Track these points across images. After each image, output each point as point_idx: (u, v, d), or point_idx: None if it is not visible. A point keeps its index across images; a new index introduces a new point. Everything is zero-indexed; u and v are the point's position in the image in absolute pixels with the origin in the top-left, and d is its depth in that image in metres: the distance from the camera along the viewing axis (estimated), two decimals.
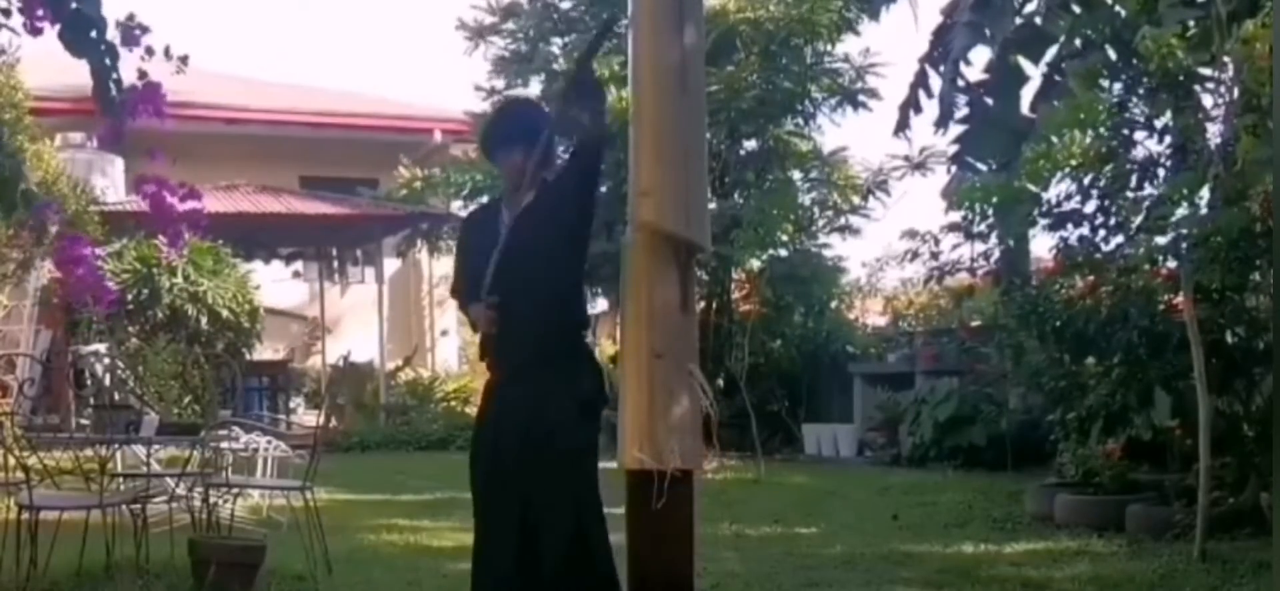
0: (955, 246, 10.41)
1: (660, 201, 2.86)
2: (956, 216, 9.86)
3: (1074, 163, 7.19)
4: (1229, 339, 7.09)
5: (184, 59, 5.07)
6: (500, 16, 15.39)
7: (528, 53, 15.30)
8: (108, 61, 4.65)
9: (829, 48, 14.05)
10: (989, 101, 4.62)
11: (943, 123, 4.60)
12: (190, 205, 5.39)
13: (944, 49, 4.66)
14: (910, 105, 4.90)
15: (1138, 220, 7.14)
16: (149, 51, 4.87)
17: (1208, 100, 6.69)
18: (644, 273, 2.89)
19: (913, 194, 22.19)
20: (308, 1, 43.85)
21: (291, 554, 6.13)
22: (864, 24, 14.07)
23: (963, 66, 4.56)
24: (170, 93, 4.90)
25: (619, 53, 13.01)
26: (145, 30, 4.87)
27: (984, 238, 9.92)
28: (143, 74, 4.92)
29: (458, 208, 15.68)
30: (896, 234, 11.51)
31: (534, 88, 15.14)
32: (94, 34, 4.59)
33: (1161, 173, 7.15)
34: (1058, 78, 5.09)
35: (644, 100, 2.88)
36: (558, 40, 15.48)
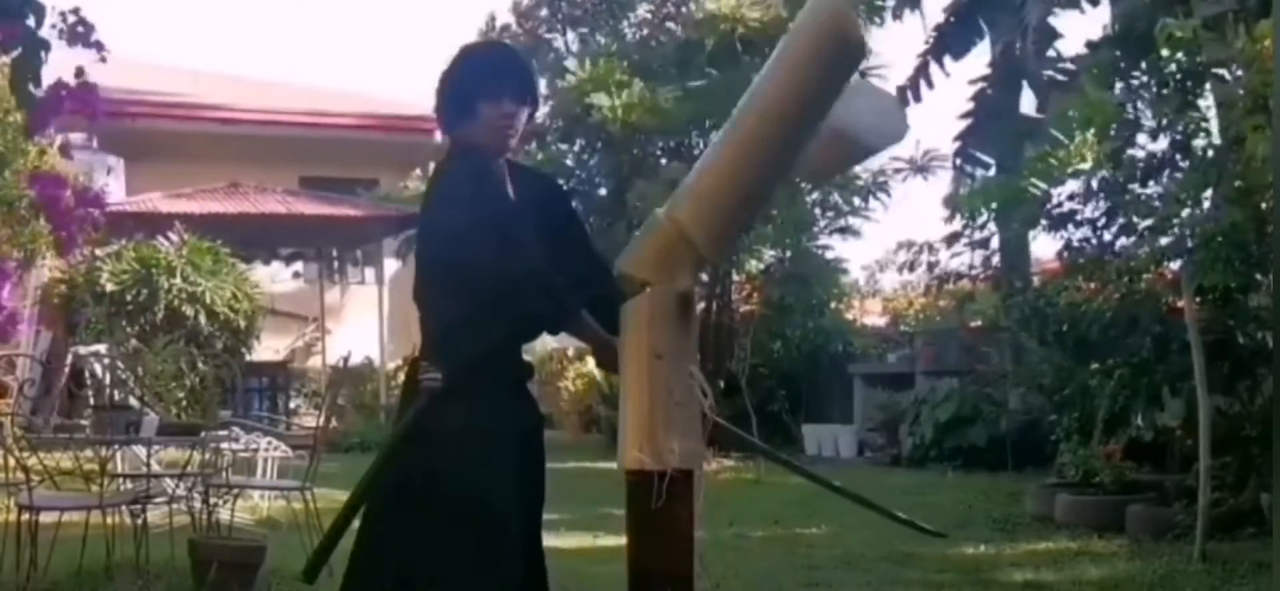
0: (955, 255, 10.43)
1: (701, 213, 2.84)
2: (956, 226, 9.85)
3: (1083, 163, 7.17)
4: (1240, 339, 7.08)
5: (99, 46, 4.81)
6: (517, 16, 15.46)
7: (534, 48, 15.33)
8: (33, 51, 4.37)
9: None
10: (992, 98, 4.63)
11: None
12: (86, 210, 5.02)
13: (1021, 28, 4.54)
14: (909, 90, 4.91)
15: (1143, 221, 7.12)
16: (98, 46, 4.69)
17: (1216, 99, 6.68)
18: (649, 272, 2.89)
19: (912, 197, 22.12)
20: (307, 1, 43.86)
21: (291, 554, 6.10)
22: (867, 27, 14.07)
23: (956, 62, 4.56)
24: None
25: (623, 55, 13.05)
26: (90, 28, 4.72)
27: (984, 245, 9.93)
28: (80, 71, 4.76)
29: None
30: (895, 237, 11.54)
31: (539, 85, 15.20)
32: (31, 21, 4.33)
33: (1167, 173, 7.13)
34: (1062, 77, 5.10)
35: (749, 121, 2.80)
36: (559, 37, 15.51)
